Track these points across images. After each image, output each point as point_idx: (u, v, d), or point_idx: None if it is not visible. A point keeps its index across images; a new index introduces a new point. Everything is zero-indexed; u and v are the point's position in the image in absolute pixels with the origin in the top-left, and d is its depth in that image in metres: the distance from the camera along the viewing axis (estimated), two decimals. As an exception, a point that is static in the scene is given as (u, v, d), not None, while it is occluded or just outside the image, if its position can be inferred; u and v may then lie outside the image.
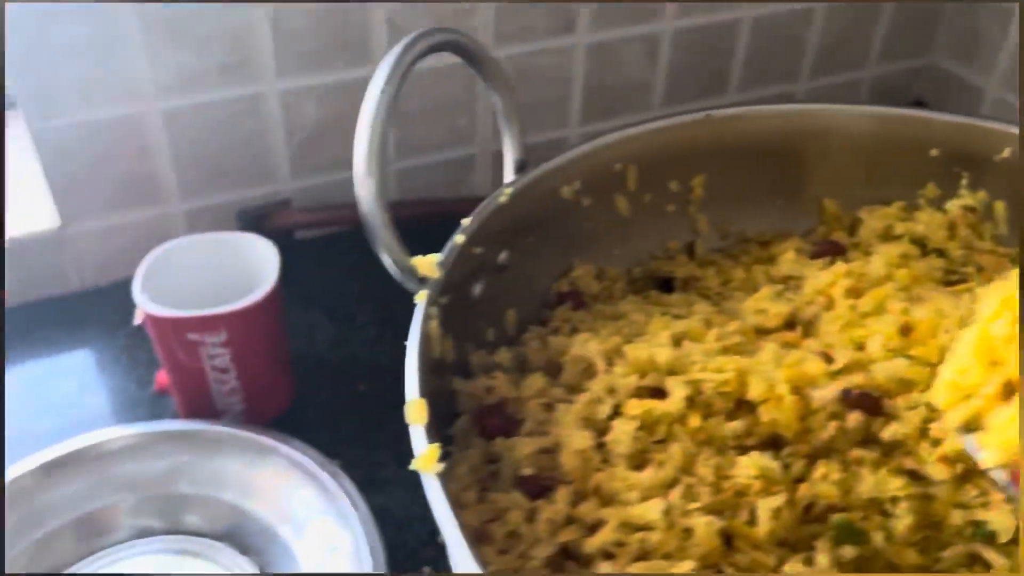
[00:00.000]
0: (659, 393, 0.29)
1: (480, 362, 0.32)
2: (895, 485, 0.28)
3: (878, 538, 0.27)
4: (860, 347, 0.31)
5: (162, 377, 0.58)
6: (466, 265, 0.31)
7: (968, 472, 0.28)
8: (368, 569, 0.45)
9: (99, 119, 0.63)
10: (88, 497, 0.51)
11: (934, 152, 0.40)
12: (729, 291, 0.37)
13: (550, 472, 0.28)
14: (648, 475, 0.27)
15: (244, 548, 0.50)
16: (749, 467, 0.27)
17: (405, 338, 0.68)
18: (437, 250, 0.32)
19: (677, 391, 0.29)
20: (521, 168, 0.34)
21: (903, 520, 0.27)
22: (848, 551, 0.27)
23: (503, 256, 0.33)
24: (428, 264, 0.29)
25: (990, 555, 0.26)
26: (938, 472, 0.27)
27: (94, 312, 0.68)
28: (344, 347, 0.66)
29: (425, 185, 0.77)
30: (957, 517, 0.27)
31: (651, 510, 0.26)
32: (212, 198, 0.70)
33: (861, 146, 0.41)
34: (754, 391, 0.29)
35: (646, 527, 0.26)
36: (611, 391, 0.29)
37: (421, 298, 0.28)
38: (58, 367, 0.63)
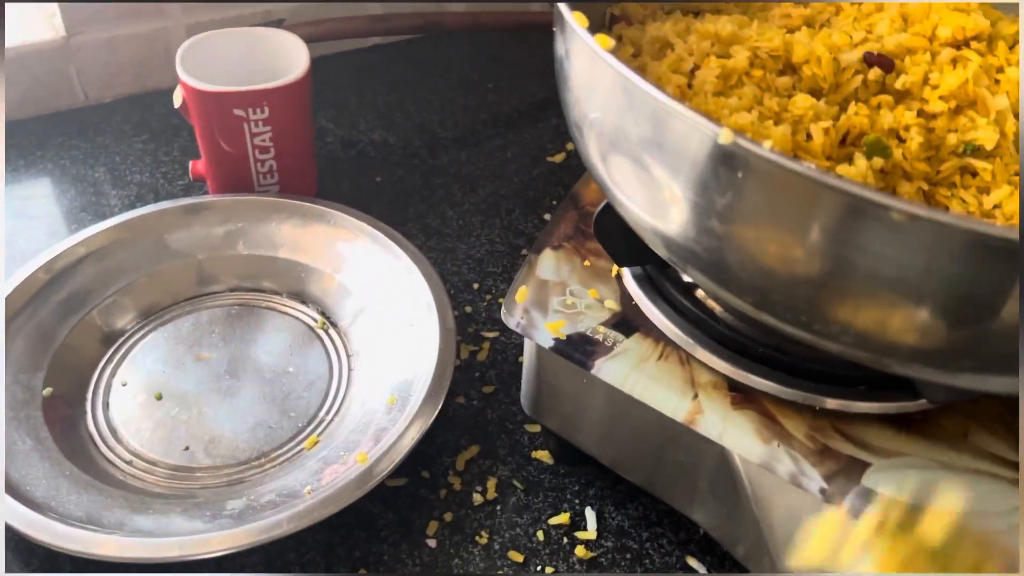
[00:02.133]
0: (726, 59, 0.37)
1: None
2: (908, 117, 0.36)
3: (897, 153, 0.36)
4: (870, 31, 0.40)
5: (197, 166, 0.62)
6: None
7: (960, 107, 0.37)
8: (427, 292, 0.52)
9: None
10: (156, 258, 0.55)
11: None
12: (752, 14, 0.44)
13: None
14: (733, 100, 0.34)
15: (304, 298, 0.56)
16: (803, 102, 0.35)
17: (411, 143, 0.75)
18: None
19: (740, 54, 0.37)
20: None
21: (915, 140, 0.36)
22: (877, 162, 0.35)
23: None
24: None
25: (977, 163, 0.36)
26: (936, 106, 0.36)
27: (107, 123, 0.70)
28: (353, 147, 0.71)
29: (416, 7, 0.81)
30: (952, 139, 0.36)
31: (743, 118, 0.33)
32: (211, 14, 0.73)
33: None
34: (797, 55, 0.37)
35: (739, 130, 0.33)
36: (690, 53, 0.37)
37: (550, -37, 0.34)
38: (82, 173, 0.66)
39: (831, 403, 0.39)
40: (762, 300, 0.32)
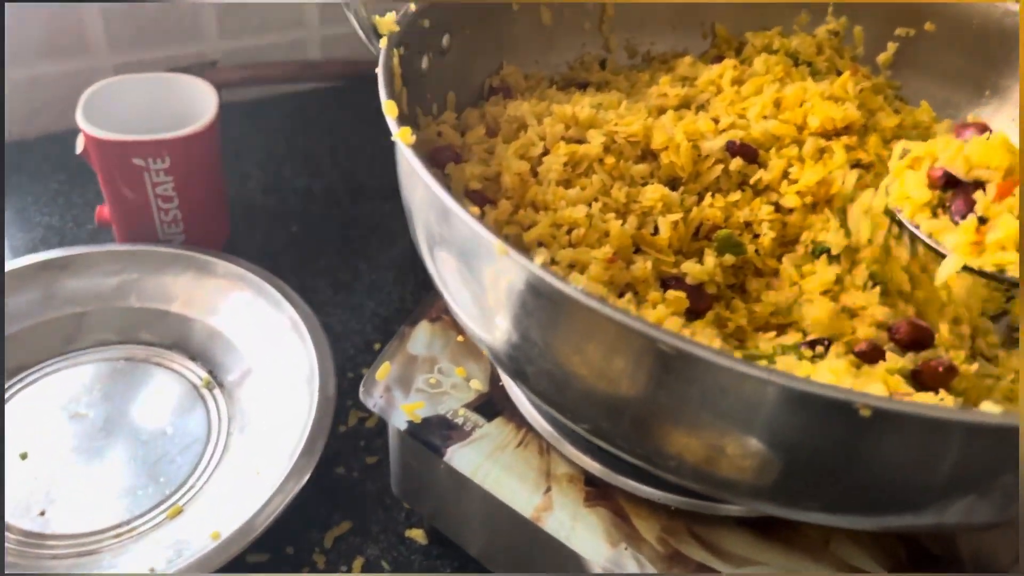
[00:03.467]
0: (580, 143, 0.36)
1: (426, 125, 0.37)
2: (764, 212, 0.35)
3: (750, 249, 0.34)
4: (741, 116, 0.38)
5: (103, 211, 0.61)
6: (415, 34, 0.35)
7: (815, 203, 0.35)
8: (313, 357, 0.50)
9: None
10: (44, 308, 0.54)
11: (808, -18, 0.47)
12: (636, 91, 0.43)
13: (493, 193, 0.34)
14: (574, 192, 0.33)
15: (192, 354, 0.55)
16: (653, 193, 0.34)
17: (334, 191, 0.73)
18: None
19: (595, 139, 0.35)
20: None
21: (768, 236, 0.34)
22: (728, 258, 0.34)
23: (445, 39, 0.38)
24: (388, 22, 0.34)
25: (819, 265, 0.34)
26: (791, 201, 0.35)
27: (24, 160, 0.69)
28: (274, 194, 0.70)
29: (350, 54, 0.80)
30: (805, 236, 0.35)
31: (577, 212, 0.32)
32: (141, 54, 0.72)
33: (748, -19, 0.48)
34: (657, 141, 0.36)
35: (573, 225, 0.32)
36: (541, 138, 0.35)
37: (384, 43, 0.33)
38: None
39: (687, 504, 0.37)
40: (594, 429, 0.31)
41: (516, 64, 0.44)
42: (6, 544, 0.44)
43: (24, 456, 0.48)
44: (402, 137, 0.28)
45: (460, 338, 0.44)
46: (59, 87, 0.70)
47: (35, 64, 0.68)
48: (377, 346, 0.58)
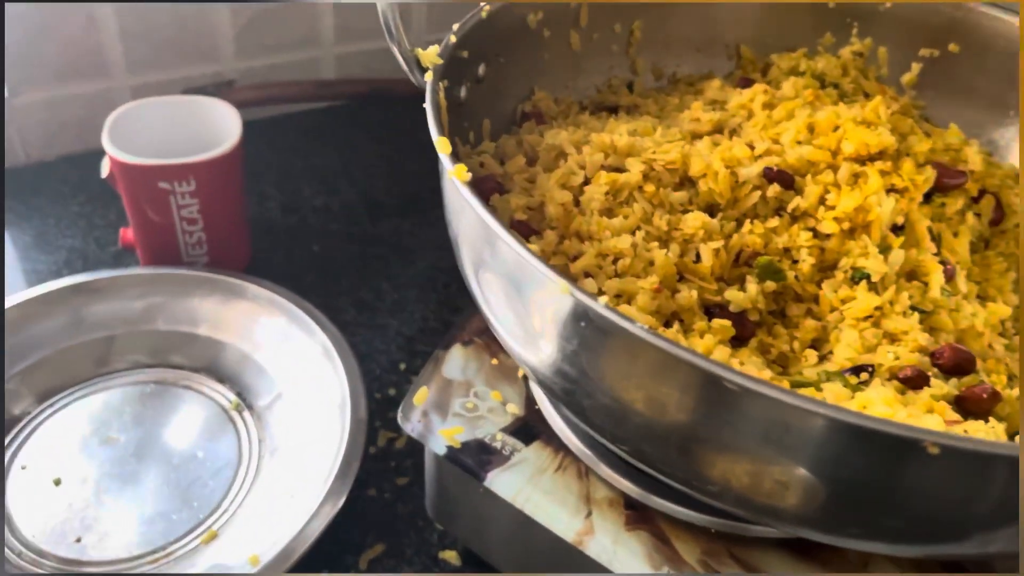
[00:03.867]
0: (619, 171, 0.36)
1: (467, 155, 0.38)
2: (803, 238, 0.35)
3: (790, 275, 0.35)
4: (776, 142, 0.39)
5: (127, 234, 0.61)
6: (455, 65, 0.36)
7: (853, 229, 0.36)
8: (344, 379, 0.51)
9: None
10: (73, 332, 0.54)
11: (831, 4, 0.47)
12: (666, 114, 0.44)
13: (537, 223, 0.34)
14: (618, 221, 0.33)
15: (221, 377, 0.55)
16: (694, 221, 0.34)
17: (353, 209, 0.74)
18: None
19: (634, 167, 0.36)
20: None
21: (807, 262, 0.35)
22: (769, 284, 0.34)
23: (481, 68, 0.39)
24: (431, 55, 0.34)
25: (859, 291, 0.34)
26: (829, 227, 0.35)
27: (45, 183, 0.70)
28: (293, 213, 0.70)
29: (364, 72, 0.81)
30: (843, 263, 0.35)
31: (622, 242, 0.32)
32: (158, 75, 0.72)
33: (773, 2, 0.48)
34: (695, 168, 0.36)
35: (618, 255, 0.32)
36: (581, 167, 0.36)
37: (429, 76, 0.33)
38: (12, 236, 0.65)
39: (728, 526, 0.38)
40: (635, 451, 0.31)
41: (546, 89, 0.44)
42: (43, 569, 0.45)
43: (58, 482, 0.48)
44: (458, 175, 0.29)
45: (494, 361, 0.44)
46: (78, 108, 0.70)
47: (54, 86, 0.69)
48: (403, 366, 0.58)
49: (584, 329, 0.26)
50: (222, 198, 0.58)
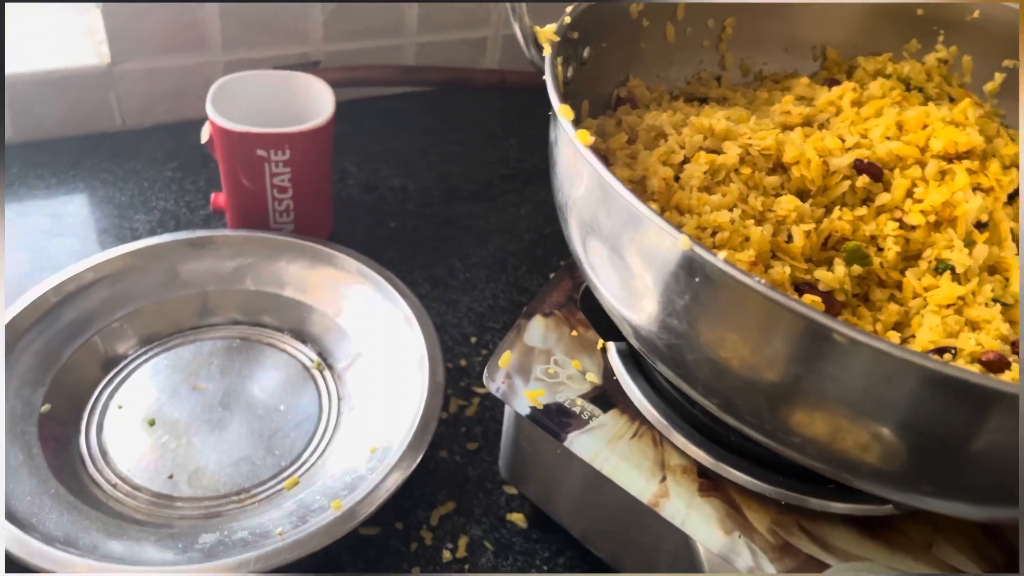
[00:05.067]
0: (716, 154, 0.38)
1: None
2: (890, 227, 0.37)
3: (876, 261, 0.36)
4: (864, 136, 0.40)
5: (217, 199, 0.64)
6: (565, 45, 0.38)
7: (939, 222, 0.37)
8: (423, 343, 0.53)
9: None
10: (170, 285, 0.57)
11: (920, 12, 0.49)
12: (755, 107, 0.45)
13: (639, 196, 0.36)
14: (716, 197, 0.35)
15: (304, 337, 0.58)
16: (787, 204, 0.36)
17: (429, 192, 0.76)
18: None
19: (731, 150, 0.38)
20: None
21: (892, 250, 0.36)
22: (855, 269, 0.36)
23: (586, 51, 0.41)
24: (548, 32, 0.36)
25: (942, 280, 0.36)
26: (916, 219, 0.37)
27: (141, 149, 0.73)
28: (372, 192, 0.73)
29: (443, 63, 0.83)
30: (928, 253, 0.37)
31: (722, 216, 0.34)
32: (250, 52, 0.75)
33: (859, 6, 0.50)
34: (788, 155, 0.38)
35: (717, 228, 0.34)
36: (681, 146, 0.38)
37: (548, 52, 0.36)
38: (110, 195, 0.68)
39: (797, 499, 0.39)
40: (725, 403, 0.33)
41: (639, 77, 0.46)
42: (138, 501, 0.47)
43: (152, 423, 0.51)
44: (581, 139, 0.31)
45: (574, 332, 0.46)
46: (174, 80, 0.74)
47: (154, 58, 0.72)
48: (473, 339, 0.61)
49: (698, 284, 0.28)
50: (313, 169, 0.61)
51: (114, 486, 0.48)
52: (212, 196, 0.65)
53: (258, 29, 0.74)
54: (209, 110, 0.59)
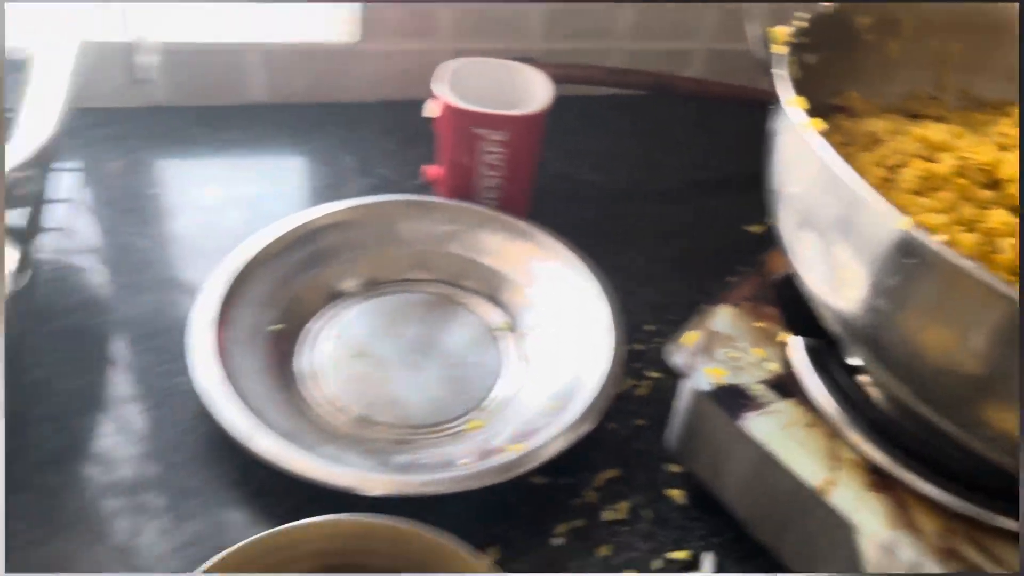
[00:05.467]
0: (930, 163, 0.39)
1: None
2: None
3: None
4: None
5: (429, 171, 0.71)
6: (795, 49, 0.41)
7: None
8: (607, 316, 0.57)
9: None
10: (385, 239, 0.64)
11: None
12: (972, 127, 0.46)
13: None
14: (928, 201, 0.37)
15: (496, 301, 0.63)
16: (999, 216, 0.37)
17: (618, 189, 0.80)
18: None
19: (947, 160, 0.39)
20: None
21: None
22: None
23: (811, 57, 0.43)
24: (782, 33, 0.39)
25: None
26: None
27: (367, 121, 0.81)
28: (567, 182, 0.77)
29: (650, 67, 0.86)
30: None
31: (934, 217, 0.36)
32: (477, 43, 0.82)
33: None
34: (1005, 171, 0.39)
35: (931, 230, 0.36)
36: (895, 152, 0.40)
37: (783, 49, 0.39)
38: (335, 157, 0.76)
39: (969, 509, 0.40)
40: (921, 389, 0.34)
41: (856, 89, 0.48)
42: (341, 421, 0.54)
43: (360, 354, 0.58)
44: (815, 126, 0.34)
45: (758, 324, 0.49)
46: (407, 62, 0.81)
47: (393, 41, 0.80)
48: (650, 328, 0.64)
49: (913, 266, 0.30)
50: (524, 152, 0.67)
51: (321, 405, 0.55)
52: (425, 169, 0.72)
53: (483, 23, 0.81)
54: (440, 88, 0.65)
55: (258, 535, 0.40)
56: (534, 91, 0.68)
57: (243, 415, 0.49)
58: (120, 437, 0.51)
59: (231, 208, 0.69)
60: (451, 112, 0.65)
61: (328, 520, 0.41)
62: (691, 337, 0.47)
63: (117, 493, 0.49)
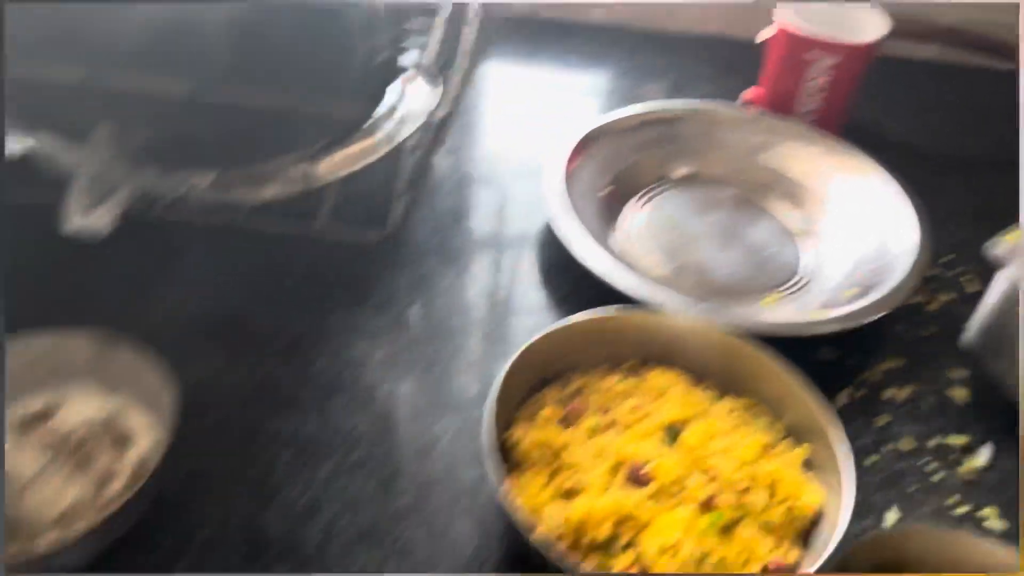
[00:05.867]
0: None
1: None
2: None
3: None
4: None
5: (747, 95, 0.77)
6: None
7: None
8: (915, 228, 0.60)
9: None
10: (707, 143, 0.71)
11: None
12: None
13: None
14: None
15: (795, 205, 0.68)
16: None
17: (926, 148, 0.80)
18: None
19: None
20: None
21: None
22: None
23: None
24: None
25: None
26: None
27: (692, 52, 0.88)
28: (876, 128, 0.80)
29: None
30: None
31: None
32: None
33: None
34: None
35: None
36: None
37: None
38: (654, 76, 0.84)
39: None
40: None
41: None
42: (653, 273, 0.62)
43: (673, 227, 0.66)
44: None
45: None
46: (736, 9, 0.88)
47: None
48: (944, 259, 0.66)
49: None
50: (846, 80, 0.71)
51: (636, 257, 0.63)
52: (743, 93, 0.78)
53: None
54: (786, 16, 0.71)
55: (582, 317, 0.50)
56: (863, 28, 0.72)
57: (583, 237, 0.59)
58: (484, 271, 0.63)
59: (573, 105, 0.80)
60: (786, 36, 0.71)
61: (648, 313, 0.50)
62: (1015, 236, 0.51)
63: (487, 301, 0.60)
